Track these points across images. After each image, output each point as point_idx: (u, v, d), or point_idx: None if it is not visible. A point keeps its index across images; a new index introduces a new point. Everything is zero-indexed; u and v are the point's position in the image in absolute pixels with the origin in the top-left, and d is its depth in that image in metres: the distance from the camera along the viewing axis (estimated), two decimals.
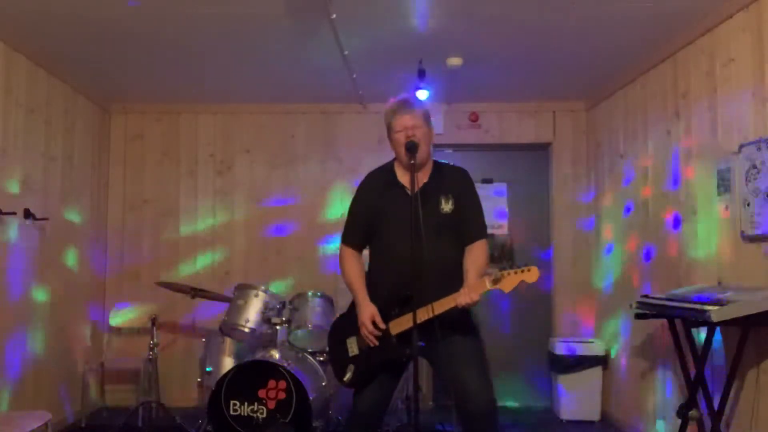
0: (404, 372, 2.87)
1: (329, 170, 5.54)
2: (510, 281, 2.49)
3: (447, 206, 2.74)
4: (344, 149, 5.55)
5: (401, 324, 2.63)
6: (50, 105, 4.51)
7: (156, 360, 4.48)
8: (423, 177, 2.76)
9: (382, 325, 2.67)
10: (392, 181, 2.80)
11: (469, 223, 2.77)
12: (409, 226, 2.52)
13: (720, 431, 3.06)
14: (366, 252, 2.92)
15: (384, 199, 2.79)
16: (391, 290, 2.67)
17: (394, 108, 2.77)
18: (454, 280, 2.67)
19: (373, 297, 2.79)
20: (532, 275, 2.49)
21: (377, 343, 2.68)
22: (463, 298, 2.53)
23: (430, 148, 2.82)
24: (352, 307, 2.81)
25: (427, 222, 2.58)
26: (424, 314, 2.52)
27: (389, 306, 2.68)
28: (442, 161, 2.91)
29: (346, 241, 2.90)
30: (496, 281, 2.50)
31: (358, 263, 2.87)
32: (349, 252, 2.88)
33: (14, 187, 4.05)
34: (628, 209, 4.65)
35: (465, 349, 2.67)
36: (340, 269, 2.91)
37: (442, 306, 2.56)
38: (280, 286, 5.29)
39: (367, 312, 2.69)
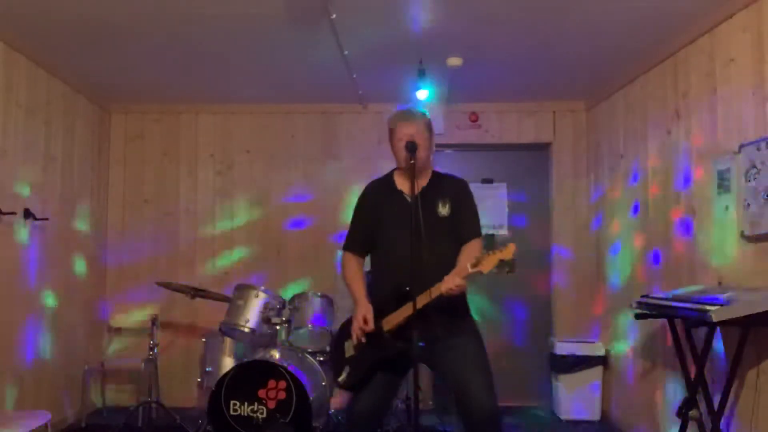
0: (405, 375, 2.86)
1: (329, 170, 5.54)
2: (488, 261, 2.49)
3: (444, 210, 2.79)
4: (344, 149, 5.55)
5: (392, 320, 2.65)
6: (50, 105, 4.51)
7: (156, 360, 4.48)
8: (422, 183, 2.82)
9: (371, 326, 2.69)
10: (391, 189, 2.87)
11: (464, 225, 2.82)
12: (408, 229, 2.55)
13: (720, 431, 3.07)
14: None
15: (383, 205, 2.86)
16: (391, 293, 2.69)
17: (398, 115, 2.86)
18: None
19: (375, 299, 2.81)
20: (507, 252, 2.49)
21: (362, 339, 2.71)
22: (445, 284, 2.52)
23: (430, 155, 2.88)
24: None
25: (425, 225, 2.60)
26: (408, 311, 2.53)
27: (385, 305, 2.69)
28: (443, 172, 2.97)
29: (347, 247, 2.97)
30: (475, 264, 2.50)
31: (358, 267, 2.94)
32: (351, 257, 2.95)
33: (14, 187, 4.05)
34: (628, 209, 4.64)
35: (466, 351, 2.67)
36: (342, 274, 2.98)
37: (429, 296, 2.55)
38: (279, 286, 5.28)
39: (363, 310, 2.73)
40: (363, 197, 2.98)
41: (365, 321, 2.70)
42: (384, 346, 2.67)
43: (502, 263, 2.50)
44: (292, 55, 4.30)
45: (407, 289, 2.54)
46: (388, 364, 2.71)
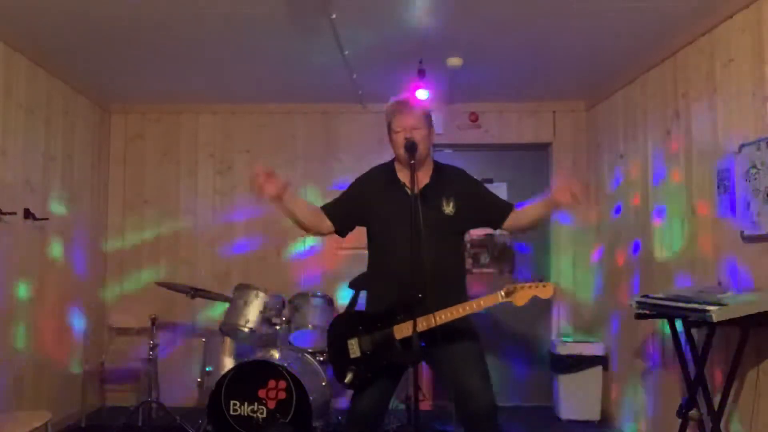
0: (403, 374, 2.86)
1: (329, 170, 5.53)
2: (523, 295, 2.49)
3: (449, 208, 2.74)
4: (344, 149, 5.55)
5: (405, 329, 2.60)
6: (50, 105, 4.51)
7: (156, 360, 4.48)
8: (423, 178, 2.76)
9: (268, 184, 2.71)
10: (393, 179, 2.80)
11: (494, 205, 2.87)
12: (409, 226, 2.51)
13: (720, 431, 3.06)
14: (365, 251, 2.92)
15: (384, 196, 2.79)
16: (392, 292, 2.66)
17: (394, 108, 2.78)
18: (455, 283, 2.68)
19: (374, 298, 2.79)
20: (546, 291, 2.50)
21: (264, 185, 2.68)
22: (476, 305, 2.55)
23: (430, 148, 2.82)
24: (351, 306, 2.81)
25: (428, 223, 2.56)
26: (426, 322, 2.53)
27: (394, 310, 2.66)
28: (441, 162, 2.91)
29: (323, 206, 2.89)
30: (508, 294, 2.50)
31: (312, 211, 2.86)
32: (318, 212, 2.86)
33: (14, 187, 4.05)
34: (628, 209, 4.64)
35: (465, 351, 2.67)
36: None
37: (446, 315, 2.55)
38: (279, 286, 5.27)
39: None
40: (363, 179, 2.90)
41: (267, 175, 2.71)
42: (397, 355, 2.63)
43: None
44: (292, 55, 4.30)
45: (420, 296, 2.48)
46: (392, 367, 2.70)
